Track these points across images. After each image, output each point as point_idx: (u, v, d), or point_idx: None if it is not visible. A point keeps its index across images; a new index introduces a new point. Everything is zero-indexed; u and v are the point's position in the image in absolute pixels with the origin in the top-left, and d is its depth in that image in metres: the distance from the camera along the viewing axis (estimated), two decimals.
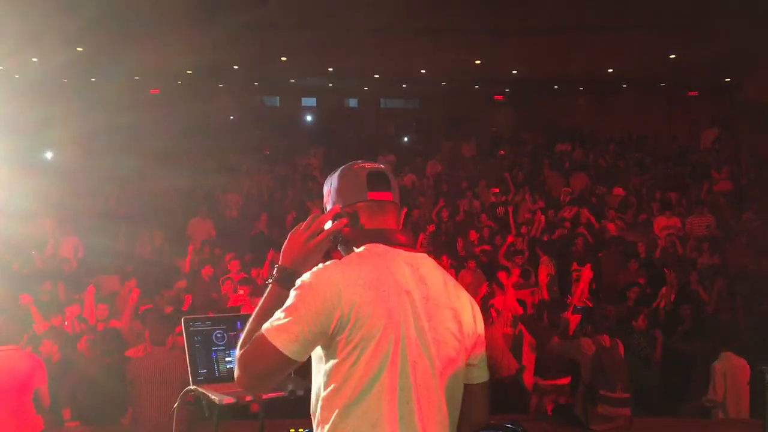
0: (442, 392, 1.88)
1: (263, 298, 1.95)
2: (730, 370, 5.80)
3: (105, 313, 7.23)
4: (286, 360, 1.79)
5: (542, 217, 11.74)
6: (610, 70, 16.67)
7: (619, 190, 13.14)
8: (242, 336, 1.90)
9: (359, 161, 2.03)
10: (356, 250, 1.92)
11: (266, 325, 1.80)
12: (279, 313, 1.80)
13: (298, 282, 1.83)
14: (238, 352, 1.87)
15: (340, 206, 1.97)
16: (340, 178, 2.01)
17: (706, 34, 12.22)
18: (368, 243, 1.91)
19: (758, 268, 9.64)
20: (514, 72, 17.20)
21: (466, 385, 1.98)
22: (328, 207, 2.02)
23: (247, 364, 1.83)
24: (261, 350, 1.80)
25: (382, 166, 2.02)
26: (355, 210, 1.95)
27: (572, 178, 13.89)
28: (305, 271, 1.87)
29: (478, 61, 15.66)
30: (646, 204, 12.65)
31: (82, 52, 13.82)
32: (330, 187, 2.04)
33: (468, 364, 1.97)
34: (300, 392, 2.48)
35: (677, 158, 15.83)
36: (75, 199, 12.21)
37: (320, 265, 1.85)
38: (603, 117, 18.50)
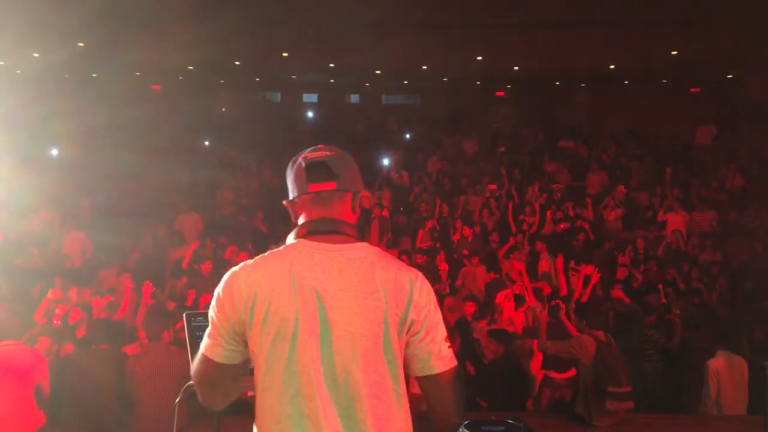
0: (362, 385, 1.82)
1: None
2: (725, 368, 5.77)
3: (105, 307, 7.23)
4: (215, 364, 1.88)
5: (545, 213, 11.76)
6: (612, 67, 16.64)
7: (621, 187, 13.14)
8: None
9: (305, 152, 2.01)
10: (288, 240, 1.96)
11: None
12: None
13: None
14: None
15: (286, 201, 2.03)
16: (288, 172, 2.03)
17: (708, 30, 12.19)
18: (296, 238, 1.94)
19: (759, 266, 9.65)
20: (516, 68, 17.18)
21: (419, 378, 1.93)
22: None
23: (194, 379, 1.95)
24: (198, 362, 1.93)
25: (327, 153, 1.99)
26: (292, 204, 2.01)
27: (589, 175, 13.90)
28: None
29: (479, 58, 15.64)
30: (649, 201, 12.66)
31: (83, 48, 13.81)
32: (287, 177, 2.05)
33: (412, 355, 1.90)
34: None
35: (679, 155, 15.82)
36: (76, 195, 12.22)
37: (232, 269, 1.90)
38: (604, 113, 18.47)
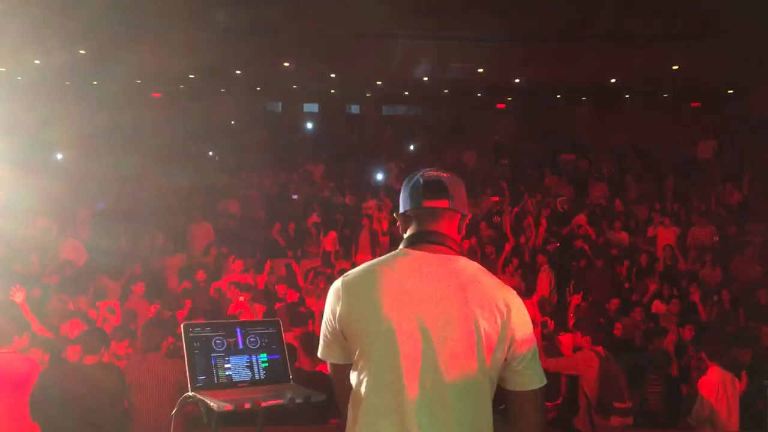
0: (449, 390, 1.91)
1: None
2: (719, 385, 5.66)
3: (105, 313, 7.20)
4: (330, 365, 2.16)
5: (544, 226, 11.75)
6: (613, 80, 16.67)
7: (619, 202, 13.14)
8: None
9: (424, 170, 2.16)
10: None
11: None
12: None
13: None
14: None
15: (396, 213, 2.19)
16: (404, 187, 2.17)
17: (709, 46, 12.22)
18: (404, 246, 2.09)
19: (761, 281, 9.63)
20: (517, 81, 17.20)
21: (509, 392, 2.02)
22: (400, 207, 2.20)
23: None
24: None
25: (444, 174, 2.14)
26: (404, 216, 2.14)
27: (591, 188, 13.91)
28: None
29: (480, 69, 15.67)
30: (648, 215, 12.65)
31: (84, 55, 13.82)
32: (402, 191, 2.20)
33: (513, 371, 1.99)
34: (299, 400, 2.45)
35: (679, 169, 15.83)
36: (76, 200, 12.22)
37: (343, 276, 2.11)
38: (605, 127, 18.49)
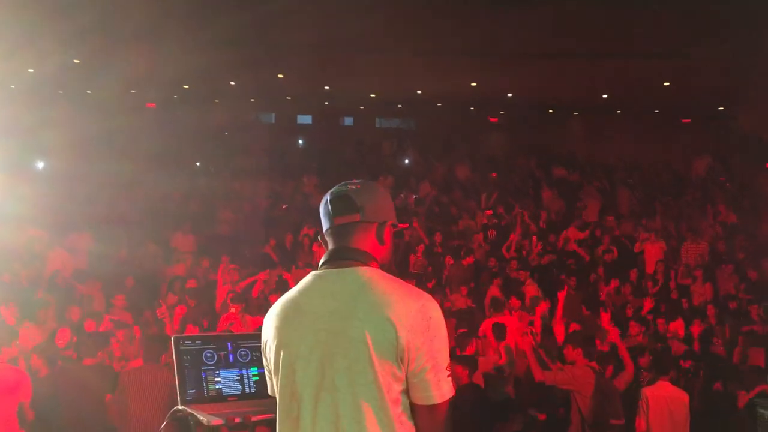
0: (339, 406, 1.85)
1: None
2: (659, 399, 5.58)
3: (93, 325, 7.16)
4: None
5: (535, 241, 11.80)
6: (605, 96, 16.77)
7: (610, 217, 13.20)
8: None
9: (334, 187, 2.10)
10: None
11: None
12: None
13: None
14: None
15: (320, 235, 2.14)
16: (320, 207, 2.13)
17: (700, 63, 12.33)
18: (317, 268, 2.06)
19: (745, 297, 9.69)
20: (509, 95, 17.28)
21: (416, 406, 1.88)
22: None
23: None
24: None
25: (351, 186, 2.06)
26: (323, 237, 2.11)
27: (587, 204, 13.95)
28: None
29: (473, 84, 15.73)
30: (637, 230, 12.70)
31: (78, 64, 13.81)
32: None
33: (411, 383, 1.86)
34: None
35: (671, 186, 15.91)
36: (68, 208, 12.17)
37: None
38: (597, 142, 18.58)
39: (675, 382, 5.71)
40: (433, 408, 1.87)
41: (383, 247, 2.04)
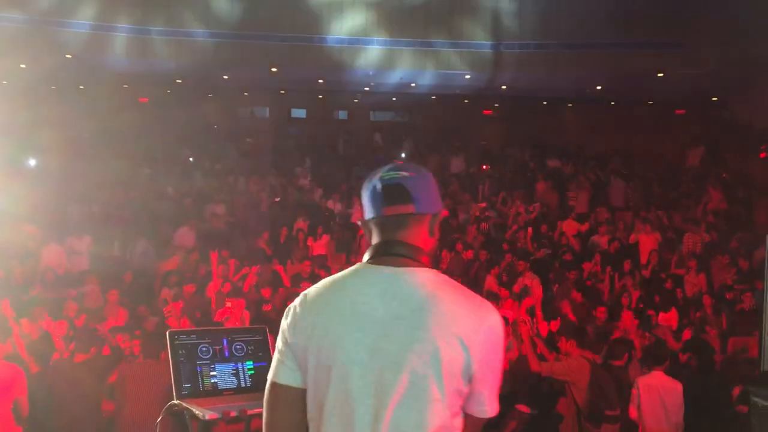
0: (402, 424, 1.72)
1: None
2: (652, 388, 5.61)
3: (89, 322, 7.16)
4: (274, 385, 1.86)
5: (531, 233, 11.81)
6: (599, 87, 16.77)
7: (604, 209, 13.22)
8: None
9: (380, 170, 1.94)
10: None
11: None
12: None
13: None
14: None
15: (359, 221, 1.98)
16: (363, 191, 1.95)
17: (693, 54, 12.34)
18: (364, 259, 1.88)
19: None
20: (504, 87, 17.27)
21: (465, 414, 1.83)
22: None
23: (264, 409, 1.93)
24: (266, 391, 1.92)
25: (404, 173, 1.90)
26: (367, 225, 1.93)
27: (575, 194, 13.97)
28: None
29: (467, 76, 15.73)
30: (632, 221, 12.74)
31: (71, 59, 13.76)
32: (361, 195, 1.99)
33: (469, 393, 1.80)
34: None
35: (665, 176, 15.94)
36: (62, 204, 12.15)
37: (302, 293, 1.90)
38: (591, 133, 18.59)
39: (668, 372, 5.73)
40: (483, 420, 1.85)
41: (432, 240, 1.92)
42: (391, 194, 1.86)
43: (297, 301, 1.87)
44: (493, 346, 1.80)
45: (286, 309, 1.88)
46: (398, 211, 1.86)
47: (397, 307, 1.77)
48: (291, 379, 1.83)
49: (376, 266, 1.84)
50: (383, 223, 1.88)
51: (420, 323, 1.74)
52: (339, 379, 1.76)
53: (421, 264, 1.84)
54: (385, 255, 1.85)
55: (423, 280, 1.80)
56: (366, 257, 1.88)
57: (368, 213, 1.91)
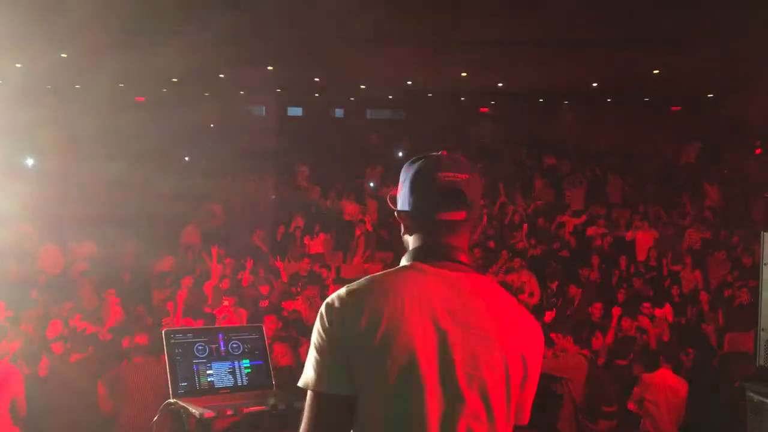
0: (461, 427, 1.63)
1: None
2: (658, 387, 5.62)
3: (85, 322, 7.15)
4: (320, 396, 1.66)
5: (527, 230, 11.83)
6: (595, 84, 16.79)
7: (600, 205, 13.25)
8: None
9: (438, 163, 1.79)
10: (402, 262, 1.78)
11: None
12: None
13: None
14: None
15: (397, 212, 1.83)
16: (414, 181, 1.79)
17: (689, 50, 12.34)
18: (411, 260, 1.75)
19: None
20: (500, 85, 17.28)
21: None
22: (398, 197, 1.84)
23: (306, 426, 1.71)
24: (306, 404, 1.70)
25: (462, 176, 1.77)
26: (412, 221, 1.79)
27: (572, 191, 13.99)
28: None
29: (464, 74, 15.72)
30: (629, 218, 12.76)
31: (67, 59, 13.73)
32: (404, 180, 1.83)
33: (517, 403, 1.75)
34: (282, 406, 2.45)
35: (661, 173, 15.96)
36: (59, 204, 12.13)
37: (338, 292, 1.70)
38: (588, 130, 18.61)
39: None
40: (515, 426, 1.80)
41: (470, 243, 1.82)
42: (449, 199, 1.75)
43: (337, 300, 1.67)
44: (540, 358, 1.78)
45: (323, 310, 1.68)
46: (453, 217, 1.75)
47: (464, 314, 1.67)
48: (342, 387, 1.64)
49: (435, 269, 1.71)
50: (434, 224, 1.76)
51: (489, 333, 1.67)
52: (409, 390, 1.61)
53: (471, 270, 1.75)
54: (440, 258, 1.73)
55: (483, 287, 1.72)
56: (415, 257, 1.75)
57: (415, 210, 1.78)
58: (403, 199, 1.80)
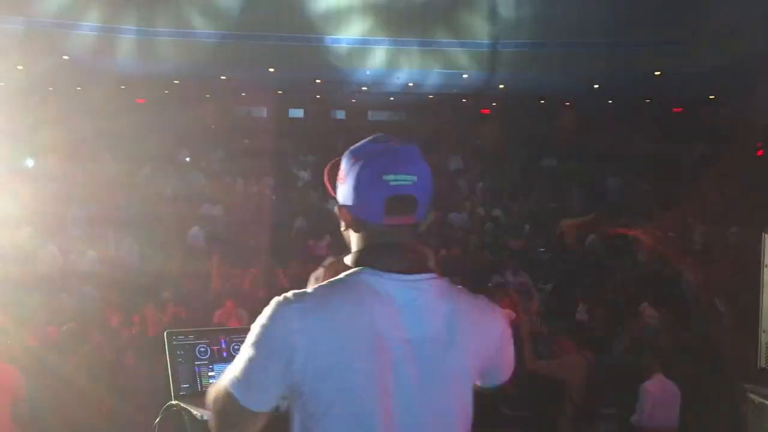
0: None
1: None
2: (660, 392, 5.60)
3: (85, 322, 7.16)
4: (240, 408, 1.52)
5: (527, 230, 11.84)
6: (596, 86, 16.80)
7: (602, 206, 13.26)
8: None
9: (387, 162, 1.56)
10: (347, 270, 1.58)
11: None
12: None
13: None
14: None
15: (338, 206, 1.64)
16: (359, 179, 1.57)
17: (690, 52, 12.36)
18: (357, 264, 1.57)
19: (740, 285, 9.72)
20: (501, 86, 17.29)
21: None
22: (338, 190, 1.64)
23: (212, 415, 1.61)
24: (220, 396, 1.57)
25: (413, 177, 1.56)
26: (350, 216, 1.60)
27: (577, 191, 14.02)
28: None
29: (465, 75, 15.74)
30: (632, 219, 12.77)
31: (68, 60, 13.76)
32: (347, 172, 1.61)
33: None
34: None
35: (662, 174, 15.96)
36: (60, 206, 12.15)
37: (285, 300, 1.51)
38: (589, 132, 18.61)
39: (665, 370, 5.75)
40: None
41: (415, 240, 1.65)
42: (397, 205, 1.55)
43: (290, 306, 1.49)
44: (509, 344, 1.68)
45: (272, 309, 1.51)
46: (401, 222, 1.56)
47: (423, 325, 1.52)
48: (263, 404, 1.53)
49: (387, 274, 1.53)
50: (380, 227, 1.57)
51: (451, 341, 1.53)
52: (363, 416, 1.47)
53: (425, 269, 1.58)
54: (389, 259, 1.55)
55: (439, 290, 1.56)
56: (361, 259, 1.58)
57: (359, 211, 1.58)
58: (345, 194, 1.60)
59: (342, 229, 1.66)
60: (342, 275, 1.55)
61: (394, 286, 1.52)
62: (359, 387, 1.46)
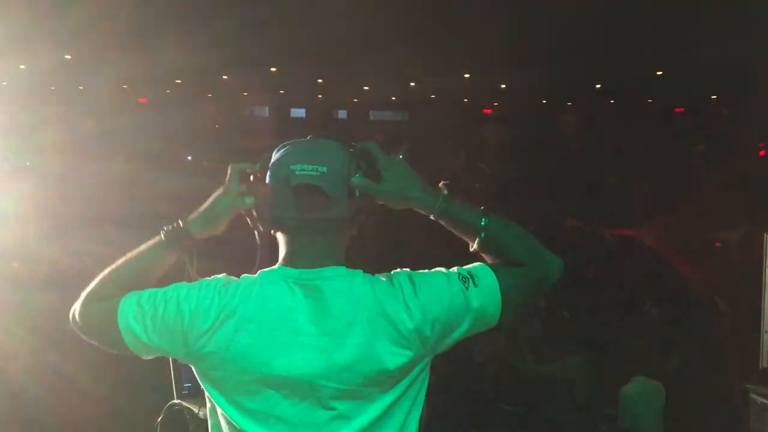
0: None
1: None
2: (643, 396, 5.46)
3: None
4: (121, 341, 1.58)
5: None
6: (599, 86, 16.79)
7: (603, 206, 13.24)
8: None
9: (295, 153, 1.54)
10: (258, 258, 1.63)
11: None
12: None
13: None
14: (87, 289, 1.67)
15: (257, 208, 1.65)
16: (271, 174, 1.58)
17: (692, 52, 12.34)
18: (281, 261, 1.59)
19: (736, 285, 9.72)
20: (503, 86, 17.28)
21: None
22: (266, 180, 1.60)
23: (86, 315, 1.66)
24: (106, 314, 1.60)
25: (320, 166, 1.49)
26: (274, 218, 1.59)
27: (578, 192, 14.01)
28: (202, 235, 1.75)
29: (467, 75, 15.72)
30: (632, 218, 12.76)
31: (70, 60, 13.76)
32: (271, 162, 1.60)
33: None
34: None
35: (664, 174, 15.94)
36: (62, 205, 12.13)
37: (215, 277, 1.65)
38: (591, 132, 18.62)
39: (665, 371, 5.75)
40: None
41: (347, 240, 1.61)
42: (304, 197, 1.51)
43: (208, 284, 1.61)
44: (434, 290, 1.51)
45: (208, 280, 1.64)
46: (314, 217, 1.52)
47: (327, 320, 1.46)
48: (137, 348, 1.59)
49: (296, 270, 1.52)
50: (295, 225, 1.55)
51: (365, 335, 1.45)
52: (267, 411, 1.48)
53: (338, 263, 1.53)
54: (304, 258, 1.53)
55: (349, 284, 1.49)
56: (282, 258, 1.59)
57: (274, 206, 1.58)
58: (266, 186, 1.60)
59: (272, 233, 1.65)
60: (258, 273, 1.60)
61: (300, 286, 1.50)
62: (257, 380, 1.47)
